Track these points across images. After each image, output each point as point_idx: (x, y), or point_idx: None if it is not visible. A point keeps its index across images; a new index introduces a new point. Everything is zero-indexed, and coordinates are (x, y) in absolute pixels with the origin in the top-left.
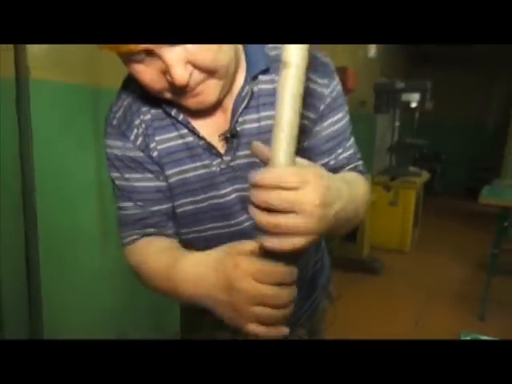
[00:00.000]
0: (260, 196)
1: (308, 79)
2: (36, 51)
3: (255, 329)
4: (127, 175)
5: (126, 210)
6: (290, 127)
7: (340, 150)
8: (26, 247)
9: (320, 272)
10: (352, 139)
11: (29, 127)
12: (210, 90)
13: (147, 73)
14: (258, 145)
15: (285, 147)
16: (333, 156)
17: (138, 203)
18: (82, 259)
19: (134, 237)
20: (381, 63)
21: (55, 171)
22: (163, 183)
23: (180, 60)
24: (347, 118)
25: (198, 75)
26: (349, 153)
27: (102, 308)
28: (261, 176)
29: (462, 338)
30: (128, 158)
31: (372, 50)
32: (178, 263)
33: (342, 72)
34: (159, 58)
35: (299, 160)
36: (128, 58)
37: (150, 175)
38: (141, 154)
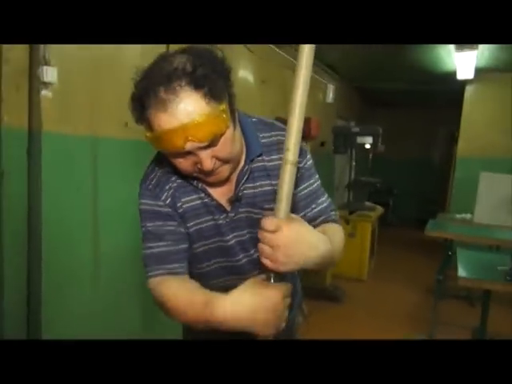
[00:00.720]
0: (261, 233)
1: None
2: (45, 105)
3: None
4: (159, 223)
5: (156, 248)
6: (287, 198)
7: (313, 205)
8: (28, 278)
9: (295, 294)
10: (325, 197)
11: (39, 174)
12: (224, 172)
13: (184, 163)
14: (267, 213)
15: (284, 209)
16: (308, 210)
17: (166, 242)
18: (77, 287)
19: (161, 271)
20: (337, 106)
21: (57, 212)
22: (183, 230)
23: (208, 156)
24: (318, 183)
25: (217, 163)
26: (321, 207)
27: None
28: (267, 224)
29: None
30: (159, 211)
31: (330, 95)
32: (216, 299)
33: (307, 122)
34: (194, 155)
35: (292, 215)
36: (174, 154)
37: (175, 223)
38: (169, 210)
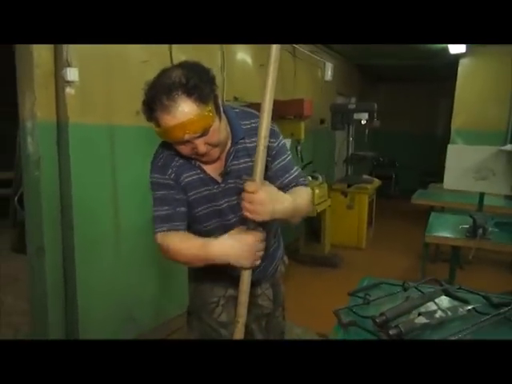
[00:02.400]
0: (244, 194)
1: None
2: (69, 101)
3: (258, 263)
4: (165, 191)
5: (163, 211)
6: (261, 171)
7: (287, 175)
8: (63, 245)
9: (278, 248)
10: (295, 168)
11: (68, 158)
12: (214, 153)
13: (185, 148)
14: (245, 177)
15: (259, 177)
16: (282, 179)
17: (170, 206)
18: (102, 255)
19: (166, 227)
20: (337, 84)
21: (83, 190)
22: (184, 197)
23: (202, 143)
24: (289, 158)
25: (209, 147)
26: (292, 176)
27: (117, 294)
28: (247, 187)
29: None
30: (166, 183)
31: (329, 73)
32: (208, 243)
33: (300, 102)
34: (191, 143)
35: (264, 182)
36: (176, 142)
37: (177, 192)
38: (173, 182)
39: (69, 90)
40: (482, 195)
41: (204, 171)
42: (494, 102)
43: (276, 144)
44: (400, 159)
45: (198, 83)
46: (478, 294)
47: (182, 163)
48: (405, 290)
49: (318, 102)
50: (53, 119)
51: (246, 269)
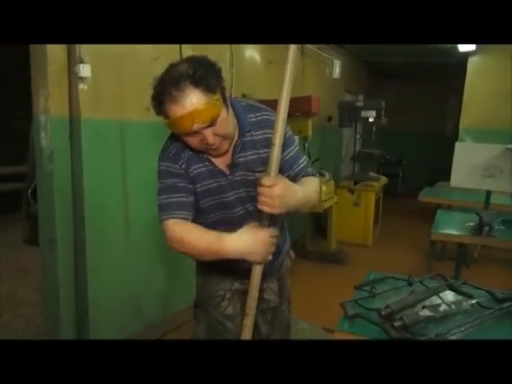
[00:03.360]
0: (260, 189)
1: (271, 133)
2: (82, 96)
3: (269, 258)
4: (176, 180)
5: (173, 199)
6: (276, 166)
7: (295, 166)
8: (74, 236)
9: (284, 243)
10: (303, 158)
11: (80, 152)
12: (224, 146)
13: (194, 140)
14: (258, 172)
15: (274, 172)
16: (291, 170)
17: (181, 194)
18: (112, 248)
19: (176, 215)
20: (345, 81)
21: (94, 183)
22: (192, 187)
23: (210, 134)
24: (297, 149)
25: (218, 139)
26: (301, 166)
27: (127, 286)
28: (261, 180)
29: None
30: (176, 172)
31: (337, 70)
32: (222, 237)
33: (308, 99)
34: (200, 134)
35: (278, 175)
36: (185, 134)
37: (187, 181)
38: (183, 172)
39: (82, 86)
40: (488, 193)
41: (213, 163)
42: (502, 101)
43: (284, 135)
44: (407, 157)
45: (205, 74)
46: (482, 289)
47: (191, 155)
48: (410, 284)
49: (325, 99)
50: (66, 114)
51: (258, 263)
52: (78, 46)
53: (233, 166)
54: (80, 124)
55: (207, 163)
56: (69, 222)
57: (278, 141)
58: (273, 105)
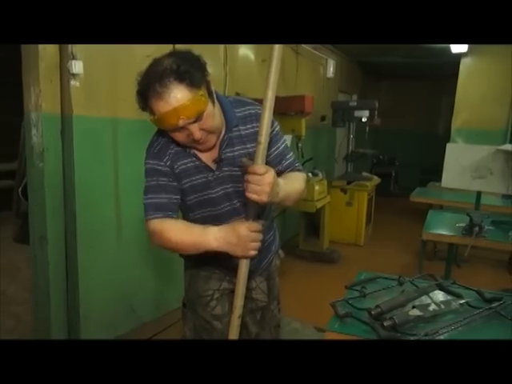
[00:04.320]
0: (250, 177)
1: (255, 142)
2: (74, 93)
3: (253, 253)
4: (161, 179)
5: (157, 199)
6: (262, 159)
7: (283, 161)
8: (65, 235)
9: (273, 242)
10: (290, 154)
11: (72, 150)
12: (211, 141)
13: (180, 136)
14: (245, 160)
15: (260, 162)
16: (280, 165)
17: (166, 195)
18: (104, 245)
19: (161, 214)
20: (339, 81)
21: (86, 180)
22: (178, 186)
23: (197, 129)
24: (284, 144)
25: (204, 134)
26: (288, 162)
27: (119, 284)
28: (251, 168)
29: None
30: (161, 170)
31: (330, 69)
32: (207, 230)
33: (301, 99)
34: (187, 129)
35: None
36: (172, 130)
37: (171, 179)
38: (168, 169)
39: (73, 83)
40: (479, 194)
41: (199, 159)
42: (494, 102)
43: (271, 131)
44: (400, 157)
45: (189, 69)
46: (471, 289)
47: (177, 151)
48: (400, 284)
49: (319, 98)
50: (57, 111)
51: (240, 258)
52: None
53: (220, 161)
54: (72, 121)
55: (194, 159)
56: (60, 220)
57: (263, 140)
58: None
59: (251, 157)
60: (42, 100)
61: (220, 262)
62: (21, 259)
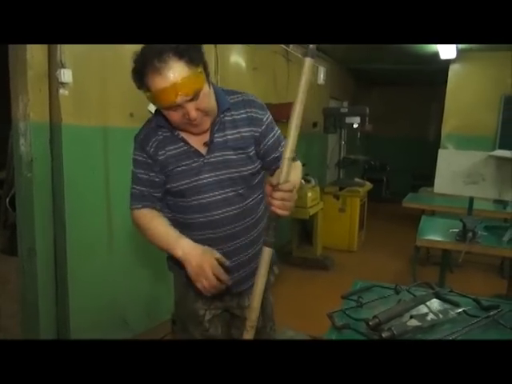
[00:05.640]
0: (278, 194)
1: (253, 112)
2: (63, 102)
3: (200, 286)
4: (141, 171)
5: (137, 190)
6: (287, 173)
7: (279, 148)
8: (55, 246)
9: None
10: (283, 138)
11: (61, 159)
12: (205, 123)
13: (176, 115)
14: (270, 178)
15: (285, 177)
16: (276, 152)
17: (145, 188)
18: (94, 256)
19: (142, 205)
20: (330, 87)
21: (76, 190)
22: (159, 177)
23: (193, 108)
24: (278, 131)
25: (200, 115)
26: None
27: (110, 296)
28: (281, 186)
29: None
30: (145, 161)
31: (321, 76)
32: (180, 239)
33: (291, 106)
34: (183, 108)
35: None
36: (168, 107)
37: (149, 172)
38: (148, 160)
39: (62, 92)
40: (471, 199)
41: (188, 143)
42: (483, 108)
43: (265, 118)
44: (391, 163)
45: (188, 47)
46: (468, 297)
47: (165, 137)
48: (397, 293)
49: (310, 105)
50: (46, 120)
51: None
52: (58, 50)
53: (211, 144)
54: (61, 130)
55: (182, 143)
56: (49, 230)
57: (288, 154)
58: None
59: (245, 141)
60: (30, 109)
61: None
62: (10, 270)
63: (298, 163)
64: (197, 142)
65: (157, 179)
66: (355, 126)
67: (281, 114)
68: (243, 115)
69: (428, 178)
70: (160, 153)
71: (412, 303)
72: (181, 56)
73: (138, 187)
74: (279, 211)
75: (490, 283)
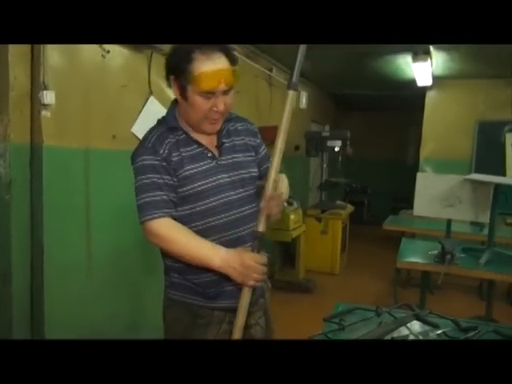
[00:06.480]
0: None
1: (249, 125)
2: (45, 123)
3: (252, 283)
4: (156, 175)
5: (154, 197)
6: (273, 181)
7: (269, 159)
8: (31, 270)
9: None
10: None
11: (40, 181)
12: (219, 122)
13: (204, 104)
14: (261, 182)
15: (272, 181)
16: (267, 163)
17: (164, 192)
18: (72, 281)
19: (162, 213)
20: (311, 112)
21: (56, 213)
22: (173, 180)
23: (222, 101)
24: (266, 149)
25: (224, 111)
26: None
27: (89, 322)
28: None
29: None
30: (158, 165)
31: (303, 101)
32: (216, 247)
33: (275, 129)
34: (216, 98)
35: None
36: (200, 93)
37: (165, 175)
38: (165, 163)
39: (44, 113)
40: (449, 222)
41: (202, 145)
42: (459, 133)
43: (258, 141)
44: (372, 186)
45: (229, 47)
46: (448, 319)
47: (178, 139)
48: (378, 315)
49: (292, 129)
50: (26, 141)
51: (240, 284)
52: (42, 71)
53: (221, 147)
54: (42, 152)
55: (195, 145)
56: (25, 254)
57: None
58: None
59: (248, 148)
60: (10, 130)
61: (224, 297)
62: None
63: (284, 176)
64: (209, 145)
65: (172, 182)
66: (336, 149)
67: (264, 136)
68: (243, 127)
69: (408, 201)
70: (174, 154)
71: (393, 325)
72: (224, 52)
73: (153, 194)
74: (272, 211)
75: (469, 304)
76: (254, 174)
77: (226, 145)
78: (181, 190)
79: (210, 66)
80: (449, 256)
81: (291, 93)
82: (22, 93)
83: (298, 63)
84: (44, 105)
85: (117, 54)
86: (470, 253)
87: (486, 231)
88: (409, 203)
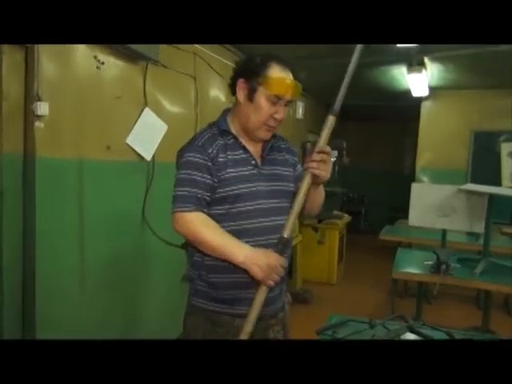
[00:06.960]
0: (320, 156)
1: (289, 145)
2: (38, 134)
3: (271, 283)
4: (197, 173)
5: (191, 193)
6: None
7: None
8: (23, 283)
9: (283, 281)
10: None
11: (33, 192)
12: (273, 131)
13: (268, 109)
14: (310, 145)
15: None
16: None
17: (201, 190)
18: (65, 293)
19: (194, 207)
20: (308, 122)
21: (48, 225)
22: (213, 180)
23: (283, 110)
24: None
25: (281, 120)
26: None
27: (82, 334)
28: (322, 148)
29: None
30: (199, 163)
31: (300, 111)
32: (241, 243)
33: None
34: (278, 107)
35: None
36: (268, 97)
37: (206, 175)
38: (208, 163)
39: (38, 124)
40: (444, 232)
41: (249, 152)
42: (454, 143)
43: (295, 159)
44: (369, 195)
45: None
46: (441, 330)
47: (226, 143)
48: (371, 327)
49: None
50: (19, 152)
51: (260, 282)
52: (36, 82)
53: (265, 157)
54: (34, 163)
55: (241, 151)
56: (17, 266)
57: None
58: None
59: (287, 164)
60: (3, 140)
61: (241, 304)
62: None
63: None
64: (255, 153)
65: (211, 182)
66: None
67: None
68: (285, 145)
69: (405, 210)
70: (221, 156)
71: (386, 338)
72: (292, 70)
73: (190, 189)
74: (317, 171)
75: (467, 314)
76: (290, 189)
77: (269, 157)
78: (221, 190)
79: (283, 73)
80: (444, 266)
81: (331, 117)
82: (15, 103)
83: (342, 90)
84: (37, 116)
85: (111, 65)
86: (466, 263)
87: (481, 241)
88: (406, 213)
